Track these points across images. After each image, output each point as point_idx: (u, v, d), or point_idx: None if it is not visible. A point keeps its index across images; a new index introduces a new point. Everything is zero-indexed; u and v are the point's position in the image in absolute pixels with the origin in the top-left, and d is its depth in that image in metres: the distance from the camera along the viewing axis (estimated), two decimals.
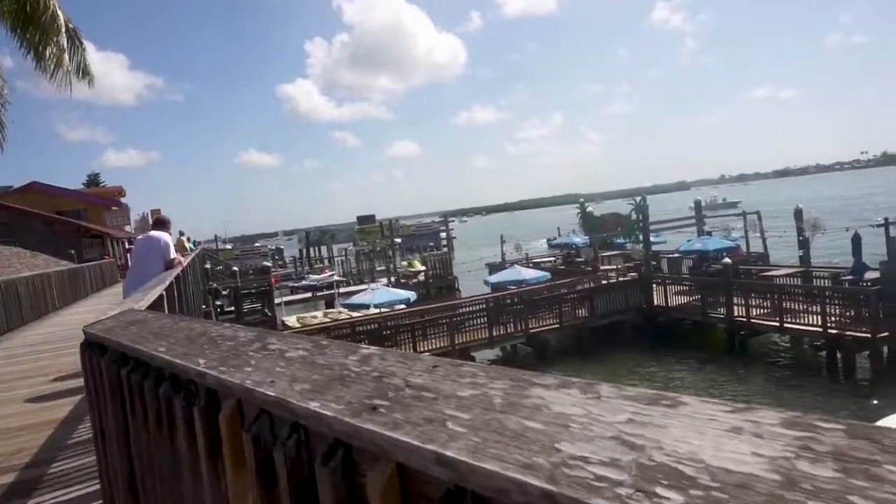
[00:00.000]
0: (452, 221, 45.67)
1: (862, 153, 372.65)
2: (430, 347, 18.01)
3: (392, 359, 0.94)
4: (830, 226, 18.81)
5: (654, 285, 21.04)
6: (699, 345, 18.61)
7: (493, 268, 30.03)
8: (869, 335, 14.08)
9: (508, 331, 19.46)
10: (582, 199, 33.00)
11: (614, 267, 24.57)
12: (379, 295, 18.27)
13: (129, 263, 11.78)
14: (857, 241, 15.99)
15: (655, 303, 20.76)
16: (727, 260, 18.30)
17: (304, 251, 49.72)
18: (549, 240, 31.98)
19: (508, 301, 20.90)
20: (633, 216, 22.58)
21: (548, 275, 21.70)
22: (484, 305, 20.76)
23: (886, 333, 14.04)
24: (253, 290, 30.20)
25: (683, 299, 20.55)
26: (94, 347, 2.22)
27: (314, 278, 37.28)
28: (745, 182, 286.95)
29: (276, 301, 30.71)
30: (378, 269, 40.26)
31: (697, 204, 24.25)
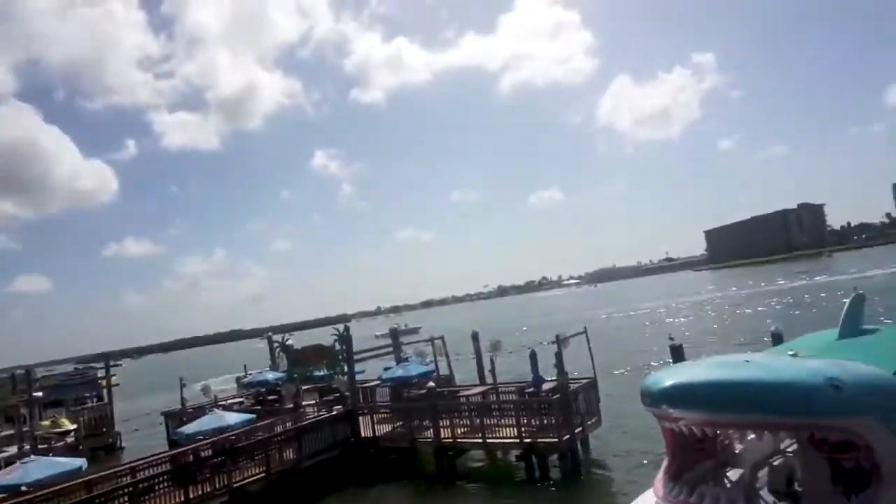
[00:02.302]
0: (117, 365, 38.78)
1: (484, 286, 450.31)
2: None
3: None
4: (508, 345, 21.54)
5: (360, 417, 20.84)
6: (410, 472, 18.69)
7: (172, 416, 26.02)
8: (556, 439, 16.07)
9: (207, 490, 16.64)
10: (270, 334, 31.70)
11: (313, 402, 23.67)
12: (35, 469, 13.67)
13: None
14: (534, 357, 18.60)
15: (363, 434, 20.46)
16: (431, 384, 19.26)
17: None
18: (239, 378, 29.35)
19: (202, 454, 18.06)
20: (338, 346, 22.42)
21: (254, 417, 19.60)
22: (170, 465, 17.54)
23: (567, 436, 16.23)
24: None
25: (388, 427, 20.73)
26: None
27: None
28: (399, 313, 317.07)
29: None
30: (3, 434, 31.06)
31: (393, 331, 25.50)
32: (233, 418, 18.57)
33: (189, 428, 18.21)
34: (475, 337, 23.77)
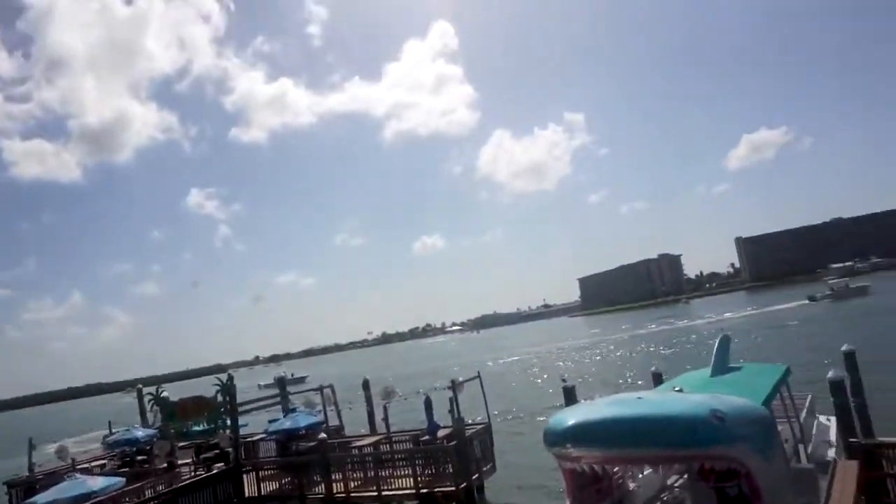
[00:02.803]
0: None
1: (368, 334, 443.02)
2: None
3: None
4: (403, 392, 21.21)
5: (244, 474, 19.53)
6: None
7: (18, 485, 22.81)
8: (453, 488, 15.92)
9: None
10: (140, 386, 29.12)
11: (190, 460, 21.85)
12: None
13: None
14: (428, 404, 18.47)
15: (247, 494, 19.16)
16: (323, 435, 18.50)
17: None
18: (105, 437, 26.45)
19: None
20: (220, 398, 20.96)
21: (123, 480, 17.66)
22: None
23: (464, 484, 16.14)
24: None
25: (275, 484, 19.56)
26: None
27: None
28: (278, 362, 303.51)
29: None
30: None
31: (280, 380, 24.31)
32: (96, 483, 16.60)
33: (42, 498, 15.99)
34: (366, 385, 23.30)
